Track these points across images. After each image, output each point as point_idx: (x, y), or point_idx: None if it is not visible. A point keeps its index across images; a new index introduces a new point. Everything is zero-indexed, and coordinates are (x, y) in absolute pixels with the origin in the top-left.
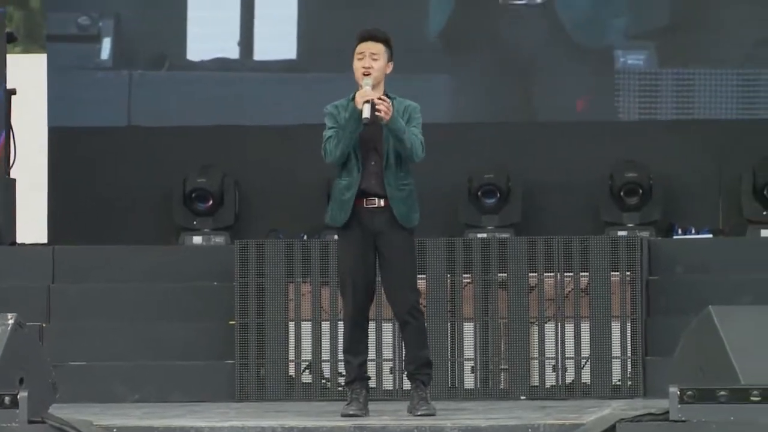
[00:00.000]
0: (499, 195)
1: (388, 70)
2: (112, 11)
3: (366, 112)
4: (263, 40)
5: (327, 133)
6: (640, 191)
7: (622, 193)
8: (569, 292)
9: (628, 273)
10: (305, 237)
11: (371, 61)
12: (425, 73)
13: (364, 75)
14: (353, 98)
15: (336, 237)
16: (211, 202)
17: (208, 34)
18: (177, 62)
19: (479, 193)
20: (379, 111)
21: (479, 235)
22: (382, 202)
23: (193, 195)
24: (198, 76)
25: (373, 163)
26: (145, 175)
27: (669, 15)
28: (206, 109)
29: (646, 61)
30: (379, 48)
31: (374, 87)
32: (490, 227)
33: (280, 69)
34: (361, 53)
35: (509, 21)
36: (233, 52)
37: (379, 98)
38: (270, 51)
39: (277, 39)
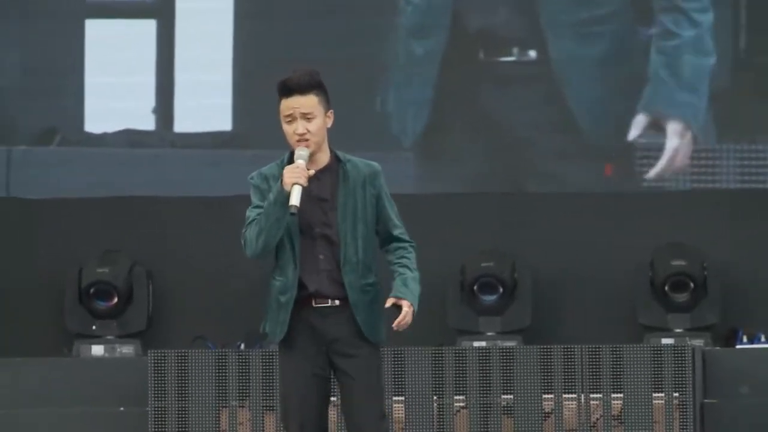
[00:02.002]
0: (501, 290)
1: (329, 123)
2: None
3: (294, 198)
4: (187, 106)
5: (250, 214)
6: (692, 285)
7: (666, 288)
8: (597, 419)
9: (677, 395)
10: (242, 346)
11: (305, 123)
12: (390, 150)
13: (298, 143)
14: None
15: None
16: (115, 300)
17: (113, 99)
18: (71, 135)
19: (475, 288)
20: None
21: (476, 344)
22: (337, 302)
23: (92, 290)
24: (99, 153)
25: (322, 257)
26: (28, 262)
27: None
28: (110, 183)
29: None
30: (310, 102)
31: (315, 153)
32: (490, 333)
33: (209, 144)
34: (288, 115)
35: (495, 80)
36: (146, 122)
37: (399, 321)
38: (196, 120)
39: (206, 105)
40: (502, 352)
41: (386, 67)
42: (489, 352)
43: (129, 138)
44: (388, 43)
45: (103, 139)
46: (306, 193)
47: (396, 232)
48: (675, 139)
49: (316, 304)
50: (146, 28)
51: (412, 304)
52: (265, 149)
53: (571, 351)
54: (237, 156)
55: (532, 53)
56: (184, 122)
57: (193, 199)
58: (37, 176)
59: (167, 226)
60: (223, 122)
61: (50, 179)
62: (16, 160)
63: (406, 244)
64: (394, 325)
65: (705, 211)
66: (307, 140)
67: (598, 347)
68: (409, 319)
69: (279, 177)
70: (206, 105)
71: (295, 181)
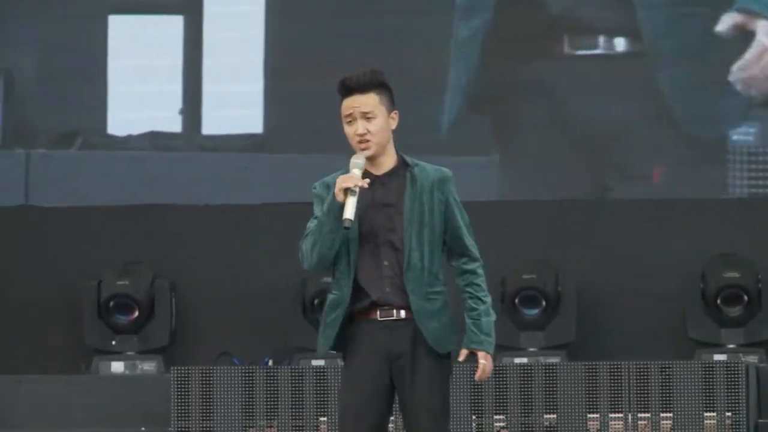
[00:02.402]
0: (544, 303)
1: (394, 125)
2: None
3: (349, 212)
4: (215, 108)
5: (310, 225)
6: (745, 298)
7: (719, 301)
8: None
9: (729, 414)
10: (270, 362)
11: (365, 123)
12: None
13: (359, 145)
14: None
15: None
16: (136, 314)
17: (138, 100)
18: (94, 138)
19: (516, 301)
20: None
21: (517, 360)
22: (402, 313)
23: (112, 303)
24: (123, 157)
25: (386, 263)
26: (44, 274)
27: None
28: (133, 190)
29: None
30: (371, 101)
31: (378, 156)
32: (532, 349)
33: (239, 147)
34: (348, 115)
35: (573, 74)
36: (173, 124)
37: (480, 376)
38: (225, 123)
39: (236, 107)
40: (545, 369)
41: (438, 69)
42: (531, 369)
43: (154, 141)
44: (440, 43)
45: (127, 142)
46: (370, 198)
47: (464, 245)
48: (765, 38)
49: (381, 317)
50: (173, 25)
51: (488, 354)
52: (298, 153)
53: (617, 368)
54: (268, 160)
55: (620, 41)
56: (212, 124)
57: (218, 207)
58: (56, 181)
59: (191, 236)
60: (254, 124)
61: (71, 184)
62: (35, 163)
63: (475, 266)
64: (476, 378)
65: (760, 219)
66: (367, 141)
67: (647, 364)
68: (488, 370)
69: None
70: (236, 106)
71: (346, 186)
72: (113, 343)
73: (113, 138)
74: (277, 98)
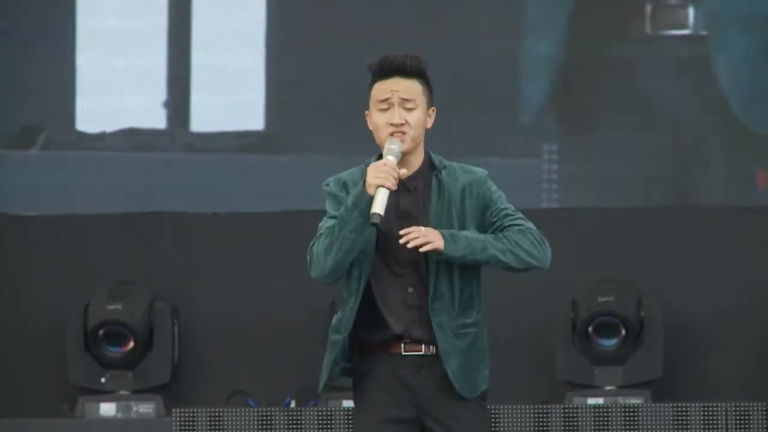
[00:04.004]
0: (624, 332)
1: (429, 124)
2: None
3: (378, 205)
4: (206, 99)
5: (323, 225)
6: None
7: None
8: None
9: None
10: (292, 403)
11: (404, 112)
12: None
13: (391, 137)
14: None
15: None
16: (131, 345)
17: (112, 90)
18: (60, 136)
19: (590, 330)
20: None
21: (591, 401)
22: (432, 348)
23: (101, 332)
24: (95, 158)
25: (410, 289)
26: (17, 297)
27: None
28: (109, 196)
29: None
30: (413, 89)
31: (407, 155)
32: (609, 387)
33: (235, 147)
34: (384, 99)
35: (656, 59)
36: (155, 119)
37: (406, 232)
38: (218, 117)
39: (231, 98)
40: (625, 412)
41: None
42: (608, 411)
43: (133, 139)
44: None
45: (100, 141)
46: (394, 206)
47: (508, 221)
48: None
49: (406, 350)
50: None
51: (441, 234)
52: (307, 153)
53: (713, 410)
54: (269, 162)
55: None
56: (202, 120)
57: (229, 216)
58: (13, 188)
59: (196, 251)
60: (253, 120)
61: (31, 192)
62: None
63: (520, 227)
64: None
65: None
66: (403, 134)
67: (748, 406)
68: (413, 237)
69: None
70: (232, 98)
71: (381, 182)
72: (103, 380)
73: (83, 135)
74: (282, 87)
